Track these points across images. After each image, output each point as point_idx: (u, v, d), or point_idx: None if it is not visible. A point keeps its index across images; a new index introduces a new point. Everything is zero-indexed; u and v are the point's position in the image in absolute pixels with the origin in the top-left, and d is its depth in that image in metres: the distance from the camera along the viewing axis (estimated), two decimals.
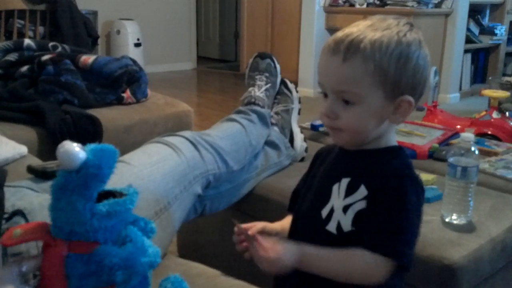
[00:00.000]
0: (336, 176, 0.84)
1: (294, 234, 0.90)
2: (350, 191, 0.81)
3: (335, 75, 0.79)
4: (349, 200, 0.80)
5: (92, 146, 0.72)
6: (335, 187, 0.83)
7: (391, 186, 0.78)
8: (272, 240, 0.80)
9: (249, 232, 0.84)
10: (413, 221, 0.78)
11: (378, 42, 0.77)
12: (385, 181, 0.79)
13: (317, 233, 0.84)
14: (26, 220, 0.90)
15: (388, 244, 0.76)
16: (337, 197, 0.82)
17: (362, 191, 0.79)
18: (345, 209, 0.80)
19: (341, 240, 0.80)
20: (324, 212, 0.83)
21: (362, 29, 0.78)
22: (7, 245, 0.71)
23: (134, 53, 4.76)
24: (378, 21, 0.80)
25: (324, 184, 0.86)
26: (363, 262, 0.77)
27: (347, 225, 0.80)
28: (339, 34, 0.80)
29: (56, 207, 0.71)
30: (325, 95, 0.82)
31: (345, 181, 0.82)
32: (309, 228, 0.87)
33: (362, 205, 0.79)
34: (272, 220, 0.96)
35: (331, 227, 0.81)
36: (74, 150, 0.68)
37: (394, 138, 0.85)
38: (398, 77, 0.78)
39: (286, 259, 0.78)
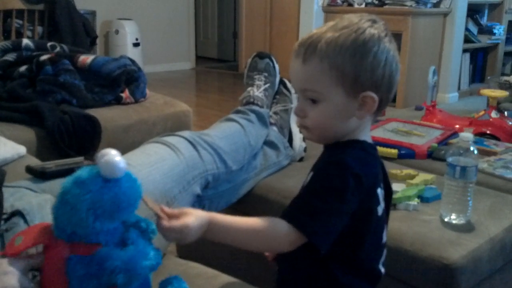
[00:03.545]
0: (310, 171, 0.87)
1: None
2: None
3: (298, 76, 0.84)
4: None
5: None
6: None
7: (318, 169, 0.83)
8: (178, 209, 0.78)
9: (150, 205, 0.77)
10: (327, 201, 0.78)
11: (333, 42, 0.80)
12: (318, 167, 0.84)
13: None
14: (25, 220, 0.90)
15: (294, 213, 0.79)
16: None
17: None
18: None
19: None
20: None
21: (323, 30, 0.82)
22: (11, 254, 0.71)
23: (133, 53, 4.75)
24: (341, 20, 0.83)
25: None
26: (272, 227, 0.79)
27: None
28: (304, 37, 0.84)
29: (60, 209, 0.71)
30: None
31: (310, 175, 0.85)
32: None
33: None
34: None
35: None
36: (115, 160, 0.69)
37: (364, 134, 0.86)
38: (355, 74, 0.80)
39: (191, 226, 0.75)
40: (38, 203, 0.93)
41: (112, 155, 0.69)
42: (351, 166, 0.79)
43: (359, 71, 0.80)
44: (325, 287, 0.85)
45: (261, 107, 1.54)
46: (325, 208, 0.77)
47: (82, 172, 0.71)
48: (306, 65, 0.81)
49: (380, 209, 0.85)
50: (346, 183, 0.78)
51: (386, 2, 4.15)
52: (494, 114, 2.32)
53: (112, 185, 0.70)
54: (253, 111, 1.51)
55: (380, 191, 0.85)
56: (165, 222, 0.75)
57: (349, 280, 0.84)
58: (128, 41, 5.00)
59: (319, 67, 0.80)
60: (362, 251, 0.84)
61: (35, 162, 1.33)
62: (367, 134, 0.87)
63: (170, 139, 1.26)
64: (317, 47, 0.80)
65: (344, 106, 0.81)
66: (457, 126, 2.24)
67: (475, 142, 1.47)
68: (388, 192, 0.91)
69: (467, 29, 4.44)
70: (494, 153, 1.72)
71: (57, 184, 0.74)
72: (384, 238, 0.89)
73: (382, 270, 0.89)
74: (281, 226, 0.78)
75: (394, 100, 4.00)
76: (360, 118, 0.83)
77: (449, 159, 1.15)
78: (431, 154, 1.66)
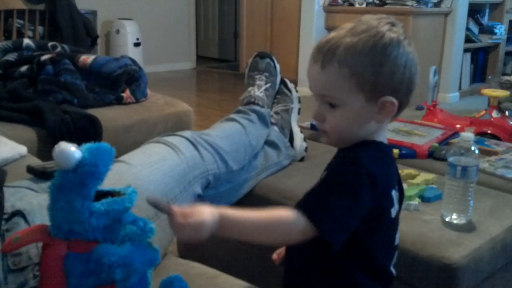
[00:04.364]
0: (324, 171, 0.86)
1: None
2: None
3: (316, 81, 0.82)
4: None
5: (87, 145, 0.72)
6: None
7: (333, 168, 0.83)
8: (188, 206, 0.76)
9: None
10: (342, 198, 0.77)
11: (352, 47, 0.78)
12: (333, 166, 0.84)
13: None
14: (26, 220, 0.90)
15: (308, 205, 0.78)
16: None
17: None
18: None
19: None
20: None
21: (342, 34, 0.81)
22: (7, 251, 0.72)
23: (134, 53, 4.75)
24: (359, 23, 0.81)
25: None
26: (284, 218, 0.77)
27: None
28: (322, 40, 0.83)
29: (55, 207, 0.71)
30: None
31: (323, 175, 0.84)
32: None
33: None
34: None
35: None
36: (70, 150, 0.69)
37: (381, 135, 0.86)
38: (375, 80, 0.79)
39: (207, 223, 0.74)
40: (38, 203, 0.93)
41: (66, 144, 0.69)
42: (366, 166, 0.78)
43: (379, 76, 0.79)
44: (336, 286, 0.84)
45: (262, 107, 1.54)
46: (339, 205, 0.76)
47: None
48: (325, 71, 0.80)
49: (393, 211, 0.84)
50: (361, 182, 0.77)
51: (387, 1, 4.15)
52: (495, 114, 2.31)
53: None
54: (254, 111, 1.51)
55: (394, 193, 0.84)
56: (180, 219, 0.73)
57: (361, 280, 0.83)
58: (129, 41, 5.00)
59: (338, 73, 0.79)
60: (373, 251, 0.83)
61: (36, 162, 1.33)
62: (384, 136, 0.87)
63: (170, 139, 1.26)
64: (336, 53, 0.79)
65: (363, 111, 0.81)
66: (458, 126, 2.23)
67: (476, 142, 1.47)
68: (401, 194, 0.90)
69: (468, 28, 4.44)
70: (495, 153, 1.71)
71: None
72: (397, 241, 0.88)
73: (393, 271, 0.88)
74: (294, 217, 0.76)
75: None
76: (379, 122, 0.83)
77: (450, 159, 1.15)
78: (432, 154, 1.66)
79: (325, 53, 0.80)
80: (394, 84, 0.80)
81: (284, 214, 0.77)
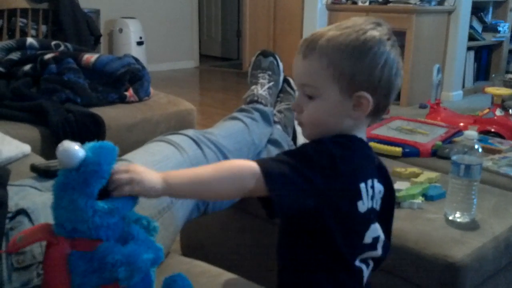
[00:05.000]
0: None
1: None
2: None
3: (297, 70, 0.85)
4: None
5: (91, 143, 0.72)
6: None
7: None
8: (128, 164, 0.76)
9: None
10: (295, 161, 0.77)
11: (334, 39, 0.81)
12: None
13: None
14: (30, 219, 0.90)
15: (265, 160, 0.79)
16: None
17: None
18: None
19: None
20: None
21: (327, 28, 0.84)
22: (12, 251, 0.72)
23: (137, 52, 4.76)
24: (347, 21, 0.85)
25: None
26: (242, 163, 0.78)
27: None
28: (309, 35, 0.86)
29: (58, 206, 0.71)
30: None
31: None
32: None
33: None
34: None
35: None
36: (73, 149, 0.69)
37: (358, 134, 0.85)
38: (352, 73, 0.80)
39: (141, 168, 0.74)
40: (42, 202, 0.93)
41: (69, 143, 0.69)
42: (328, 147, 0.79)
43: (356, 70, 0.80)
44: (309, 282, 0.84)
45: (265, 105, 1.54)
46: (290, 163, 0.77)
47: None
48: (306, 60, 0.83)
49: (362, 206, 0.81)
50: (318, 156, 0.78)
51: (390, 0, 4.14)
52: (498, 112, 2.30)
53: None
54: (257, 110, 1.51)
55: (364, 187, 0.81)
56: (124, 174, 0.73)
57: (329, 275, 0.83)
58: (132, 40, 5.00)
59: (318, 62, 0.81)
60: (337, 243, 0.81)
61: (39, 160, 1.33)
62: (362, 135, 0.86)
63: (174, 137, 1.26)
64: (317, 44, 0.82)
65: (339, 104, 0.82)
66: (461, 124, 2.23)
67: (480, 140, 1.47)
68: (389, 194, 0.88)
69: (471, 27, 4.43)
70: (499, 151, 1.71)
71: None
72: (368, 240, 0.84)
73: (363, 267, 0.85)
74: (251, 164, 0.77)
75: (398, 98, 3.99)
76: (354, 119, 0.83)
77: (454, 157, 1.15)
78: (435, 152, 1.66)
79: (308, 44, 0.83)
80: (372, 80, 0.81)
81: (243, 161, 0.78)
